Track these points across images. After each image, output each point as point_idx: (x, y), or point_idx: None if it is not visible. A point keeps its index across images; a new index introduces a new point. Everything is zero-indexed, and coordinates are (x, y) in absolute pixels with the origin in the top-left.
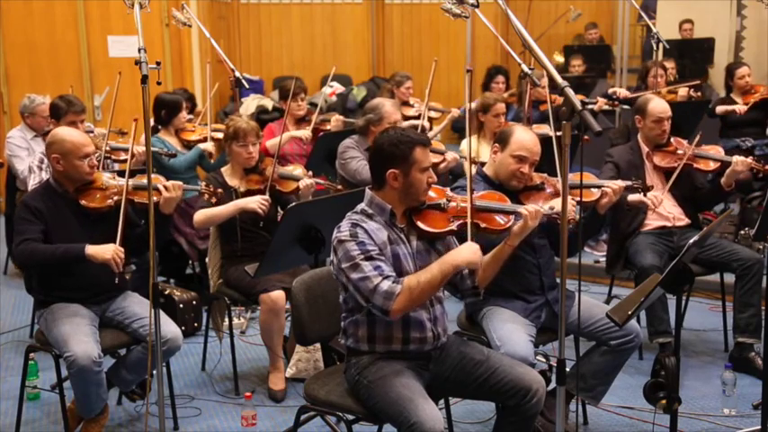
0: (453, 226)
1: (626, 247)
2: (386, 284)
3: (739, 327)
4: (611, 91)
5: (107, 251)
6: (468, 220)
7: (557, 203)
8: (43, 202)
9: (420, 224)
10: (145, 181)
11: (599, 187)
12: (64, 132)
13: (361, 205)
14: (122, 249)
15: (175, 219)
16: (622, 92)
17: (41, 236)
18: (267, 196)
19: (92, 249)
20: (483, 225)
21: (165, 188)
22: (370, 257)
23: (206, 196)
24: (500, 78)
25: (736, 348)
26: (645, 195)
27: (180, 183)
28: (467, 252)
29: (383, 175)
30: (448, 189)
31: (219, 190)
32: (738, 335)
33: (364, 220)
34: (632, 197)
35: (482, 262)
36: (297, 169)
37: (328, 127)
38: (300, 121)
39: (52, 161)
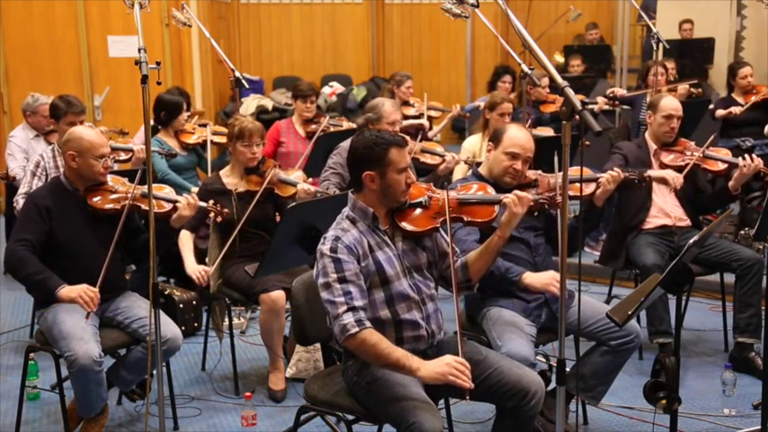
0: (437, 223)
1: (626, 243)
2: (347, 319)
3: (739, 327)
4: (609, 91)
5: (73, 291)
6: (448, 217)
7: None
8: (51, 199)
9: (403, 224)
10: (155, 191)
11: (595, 180)
12: (82, 131)
13: (346, 209)
14: (94, 290)
15: None
16: (620, 91)
17: (42, 237)
18: (211, 270)
19: (62, 291)
20: (467, 219)
21: (187, 205)
22: (343, 279)
23: (212, 214)
24: (507, 78)
25: (736, 348)
26: (641, 187)
27: (195, 201)
28: (435, 367)
29: (360, 177)
30: (431, 185)
31: (226, 210)
32: (738, 335)
33: (347, 228)
34: (654, 173)
35: (450, 378)
36: (296, 173)
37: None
38: (308, 122)
39: (67, 158)
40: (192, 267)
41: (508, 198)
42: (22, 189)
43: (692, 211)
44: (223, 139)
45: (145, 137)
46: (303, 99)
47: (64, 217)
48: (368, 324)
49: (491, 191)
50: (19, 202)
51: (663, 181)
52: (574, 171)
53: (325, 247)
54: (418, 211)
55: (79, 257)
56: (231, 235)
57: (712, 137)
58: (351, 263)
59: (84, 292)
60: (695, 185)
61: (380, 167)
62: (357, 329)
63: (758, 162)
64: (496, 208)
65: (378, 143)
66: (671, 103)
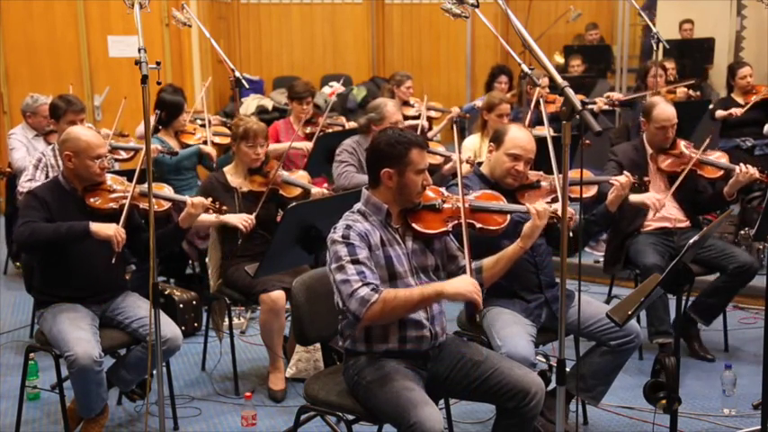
0: (448, 227)
1: (625, 247)
2: (364, 291)
3: (697, 307)
4: (605, 95)
5: (109, 228)
6: (463, 221)
7: (556, 206)
8: (51, 196)
9: (415, 225)
10: (155, 189)
11: (598, 183)
12: (79, 131)
13: (358, 205)
14: (123, 230)
15: (175, 217)
16: (616, 95)
17: (44, 223)
18: (253, 216)
19: (95, 226)
20: (479, 225)
21: (193, 205)
22: (356, 261)
23: (210, 211)
24: (503, 78)
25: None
26: (640, 190)
27: (202, 200)
28: (460, 283)
29: (378, 173)
30: (443, 189)
31: (224, 208)
32: (693, 313)
33: (359, 220)
34: (634, 198)
35: (474, 296)
36: (300, 173)
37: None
38: (307, 123)
39: (64, 158)
40: (235, 218)
41: (535, 210)
42: (25, 178)
43: (691, 211)
44: (225, 140)
45: (145, 137)
46: (299, 101)
47: (63, 216)
48: (382, 288)
49: (503, 199)
50: (24, 186)
51: (644, 206)
52: (573, 173)
53: (336, 234)
54: (431, 213)
55: (78, 257)
56: (231, 233)
57: (708, 140)
58: (363, 248)
59: (118, 231)
60: (694, 187)
61: (400, 166)
62: (376, 295)
63: (753, 171)
64: (508, 217)
65: (400, 142)
66: (663, 114)
